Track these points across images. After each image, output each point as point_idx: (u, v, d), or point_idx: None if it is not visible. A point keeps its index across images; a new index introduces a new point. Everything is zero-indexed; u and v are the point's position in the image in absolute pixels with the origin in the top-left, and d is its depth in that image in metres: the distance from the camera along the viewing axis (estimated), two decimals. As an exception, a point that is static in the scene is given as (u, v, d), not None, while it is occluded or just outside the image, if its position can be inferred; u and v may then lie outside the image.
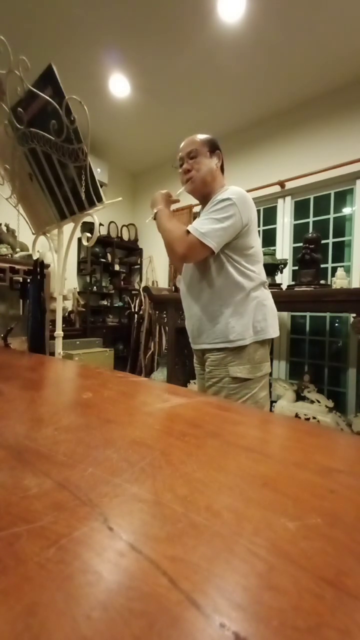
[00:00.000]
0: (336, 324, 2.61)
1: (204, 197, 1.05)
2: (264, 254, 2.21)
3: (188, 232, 0.95)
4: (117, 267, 3.84)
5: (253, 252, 1.01)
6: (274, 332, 1.03)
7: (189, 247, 0.94)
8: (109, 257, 3.75)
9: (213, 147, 1.04)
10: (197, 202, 1.12)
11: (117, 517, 0.20)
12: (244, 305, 0.98)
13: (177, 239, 0.97)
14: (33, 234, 1.23)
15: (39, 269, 1.10)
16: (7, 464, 0.27)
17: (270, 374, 2.81)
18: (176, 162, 1.09)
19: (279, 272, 2.21)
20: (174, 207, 1.12)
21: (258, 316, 1.00)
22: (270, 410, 2.22)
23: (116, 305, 3.87)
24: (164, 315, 2.84)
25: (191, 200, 1.17)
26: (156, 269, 3.86)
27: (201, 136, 1.05)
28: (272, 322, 1.04)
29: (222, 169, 1.09)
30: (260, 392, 1.00)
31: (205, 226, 0.93)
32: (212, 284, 0.99)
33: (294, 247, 2.77)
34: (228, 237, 0.95)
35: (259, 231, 2.93)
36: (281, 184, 2.71)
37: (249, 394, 0.97)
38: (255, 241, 1.02)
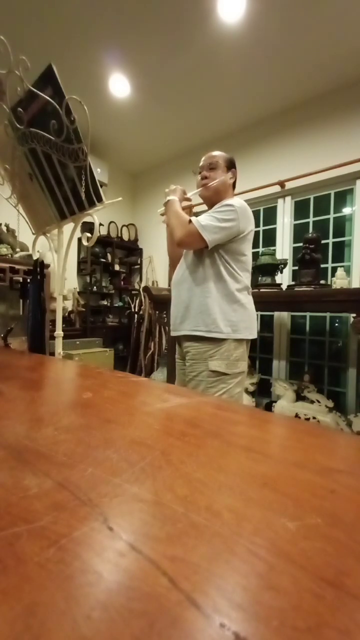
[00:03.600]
0: (336, 324, 2.61)
1: (212, 205, 1.15)
2: (264, 254, 2.22)
3: (190, 222, 1.06)
4: (117, 267, 3.84)
5: (244, 259, 1.12)
6: (251, 334, 1.11)
7: (188, 234, 1.05)
8: (109, 257, 3.75)
9: (230, 165, 1.17)
10: (196, 205, 1.21)
11: (117, 517, 0.20)
12: (228, 303, 1.07)
13: (179, 225, 1.08)
14: (33, 234, 1.23)
15: (39, 269, 1.10)
16: (7, 464, 0.27)
17: (267, 375, 2.81)
18: (196, 169, 1.21)
19: (279, 272, 2.22)
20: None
21: (238, 316, 1.08)
22: (270, 410, 2.22)
23: (116, 305, 3.87)
24: (164, 315, 2.84)
25: (196, 200, 1.26)
26: (156, 269, 3.86)
27: (222, 153, 1.18)
28: (250, 324, 1.12)
29: (234, 185, 1.20)
30: (236, 388, 1.08)
31: (206, 221, 1.04)
32: (203, 277, 1.09)
33: (294, 247, 2.76)
34: (223, 237, 1.05)
35: (259, 231, 2.94)
36: (281, 184, 2.71)
37: (225, 388, 1.06)
38: (248, 251, 1.13)
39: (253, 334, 1.12)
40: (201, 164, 1.18)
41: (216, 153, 1.16)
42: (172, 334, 1.19)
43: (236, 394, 1.09)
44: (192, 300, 1.10)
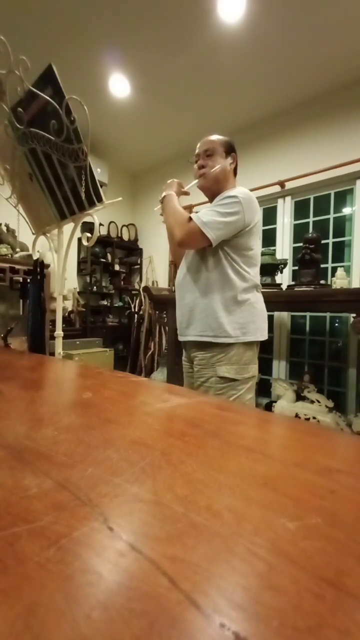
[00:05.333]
0: (336, 324, 2.61)
1: (213, 195, 1.05)
2: (264, 254, 2.21)
3: (190, 219, 0.97)
4: (117, 267, 3.84)
5: (252, 254, 1.02)
6: (262, 335, 1.03)
7: (189, 234, 0.97)
8: (109, 257, 3.75)
9: (229, 149, 1.07)
10: (197, 202, 1.15)
11: (117, 517, 0.20)
12: (234, 303, 0.99)
13: (178, 224, 1.00)
14: (33, 234, 1.23)
15: (39, 269, 1.10)
16: (7, 464, 0.27)
17: (267, 375, 2.80)
18: (192, 158, 1.11)
19: (279, 272, 2.21)
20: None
21: (247, 317, 1.00)
22: (270, 410, 2.22)
23: (116, 305, 3.87)
24: (164, 315, 2.84)
25: (196, 199, 1.19)
26: (156, 269, 3.86)
27: (219, 137, 1.07)
28: (260, 325, 1.03)
29: (235, 171, 1.10)
30: (247, 394, 1.00)
31: (207, 217, 0.95)
32: (206, 278, 1.01)
33: (294, 247, 2.77)
34: (228, 232, 0.96)
35: (258, 231, 2.94)
36: (281, 184, 2.71)
37: (235, 395, 0.98)
38: (256, 244, 1.03)
39: (264, 335, 1.04)
40: (197, 151, 1.08)
41: (212, 137, 1.06)
42: (180, 338, 1.12)
43: (247, 401, 1.01)
44: (196, 304, 1.02)
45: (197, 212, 1.00)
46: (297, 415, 2.10)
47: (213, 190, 1.06)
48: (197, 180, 1.08)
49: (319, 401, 2.13)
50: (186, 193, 1.14)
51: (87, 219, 1.00)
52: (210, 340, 0.99)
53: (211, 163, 1.05)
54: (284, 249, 2.79)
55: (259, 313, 1.04)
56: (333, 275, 2.14)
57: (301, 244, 2.09)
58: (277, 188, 2.75)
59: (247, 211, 0.96)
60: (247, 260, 1.01)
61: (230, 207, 0.95)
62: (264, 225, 2.94)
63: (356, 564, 0.17)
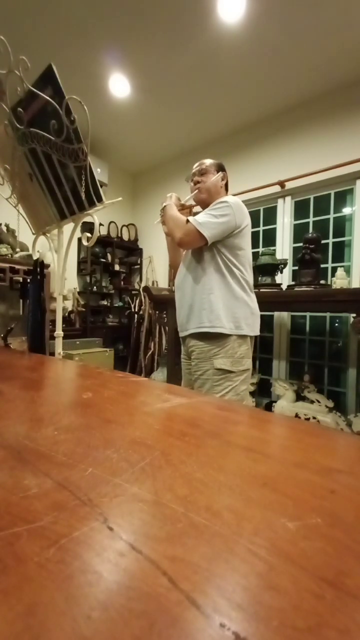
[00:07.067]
0: (336, 324, 2.61)
1: (207, 207, 1.17)
2: (264, 254, 2.22)
3: (188, 221, 1.09)
4: (117, 267, 3.84)
5: (243, 254, 1.14)
6: (253, 331, 1.13)
7: (187, 233, 1.08)
8: (109, 257, 3.75)
9: (220, 168, 1.23)
10: (196, 206, 1.27)
11: (117, 517, 0.20)
12: (230, 299, 1.10)
13: (178, 226, 1.12)
14: (33, 234, 1.23)
15: (39, 269, 1.10)
16: (7, 464, 0.27)
17: (267, 375, 2.80)
18: (188, 177, 1.28)
19: (279, 272, 2.22)
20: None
21: (241, 313, 1.10)
22: (270, 410, 2.22)
23: (116, 305, 3.87)
24: (164, 315, 2.84)
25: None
26: (156, 269, 3.86)
27: (211, 160, 1.25)
28: (253, 321, 1.14)
29: (226, 187, 1.25)
30: (242, 385, 1.10)
31: (203, 219, 1.08)
32: (204, 275, 1.12)
33: (294, 247, 2.76)
34: (221, 232, 1.08)
35: (259, 231, 2.94)
36: (281, 184, 2.71)
37: (231, 386, 1.07)
38: (246, 245, 1.15)
39: (255, 331, 1.14)
40: (193, 171, 1.24)
41: (205, 160, 1.23)
42: (181, 334, 1.22)
43: (242, 392, 1.10)
44: (195, 300, 1.12)
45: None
46: (297, 415, 2.11)
47: (207, 202, 1.19)
48: (194, 193, 1.23)
49: (319, 401, 2.14)
50: (183, 205, 1.29)
51: (87, 219, 0.99)
52: (208, 330, 1.08)
53: (205, 179, 1.20)
54: (284, 249, 2.79)
55: (252, 310, 1.14)
56: (333, 275, 2.14)
57: (301, 244, 2.09)
58: (277, 188, 2.75)
59: (238, 214, 1.08)
60: (239, 259, 1.12)
61: (223, 210, 1.07)
62: (264, 225, 2.95)
63: (356, 564, 0.17)
